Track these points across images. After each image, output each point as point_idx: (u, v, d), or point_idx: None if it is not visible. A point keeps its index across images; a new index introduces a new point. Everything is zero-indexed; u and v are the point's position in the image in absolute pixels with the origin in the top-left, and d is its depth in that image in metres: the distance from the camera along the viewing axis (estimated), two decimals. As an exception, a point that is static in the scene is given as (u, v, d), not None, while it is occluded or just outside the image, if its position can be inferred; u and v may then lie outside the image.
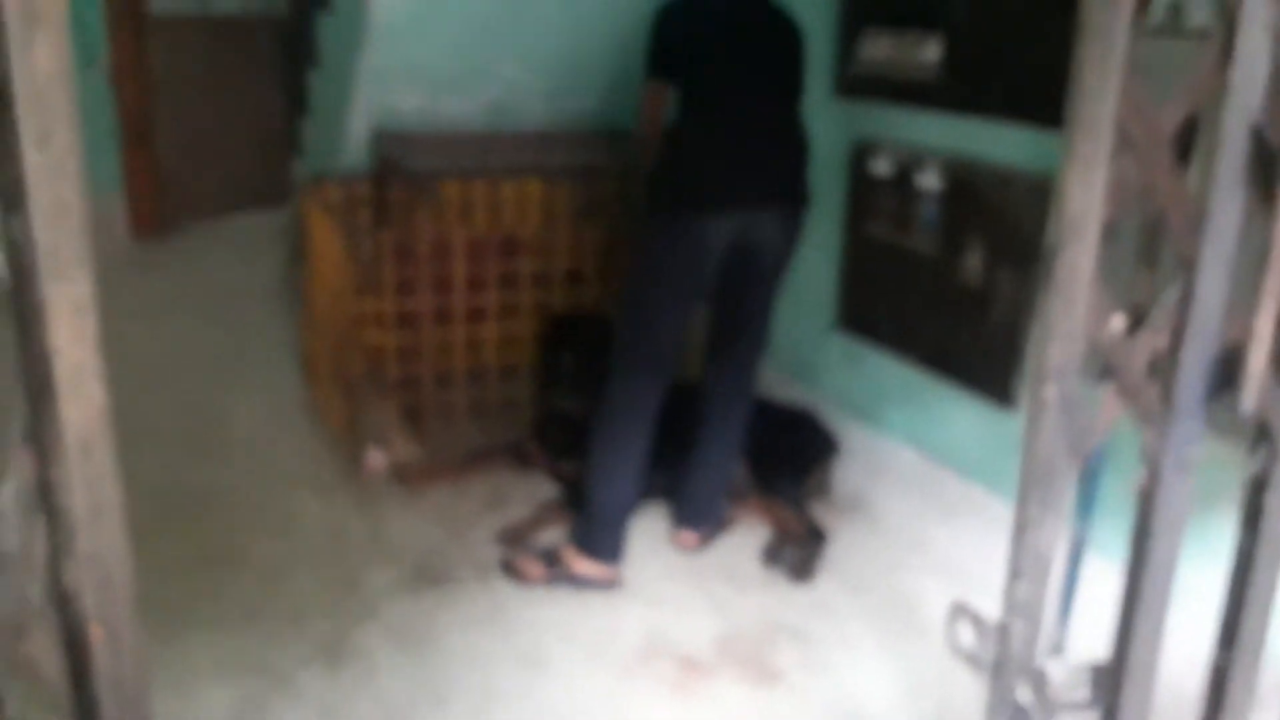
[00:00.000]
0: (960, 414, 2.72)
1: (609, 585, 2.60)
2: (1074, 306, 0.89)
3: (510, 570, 2.64)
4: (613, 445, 2.57)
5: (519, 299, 3.40)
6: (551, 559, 2.62)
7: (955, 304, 2.62)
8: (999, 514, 2.62)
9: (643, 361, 2.55)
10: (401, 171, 3.53)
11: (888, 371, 2.93)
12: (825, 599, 2.60)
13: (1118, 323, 0.94)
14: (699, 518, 2.79)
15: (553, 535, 2.81)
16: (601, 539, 2.59)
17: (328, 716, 2.15)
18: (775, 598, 2.60)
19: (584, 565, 2.59)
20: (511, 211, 3.62)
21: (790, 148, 2.55)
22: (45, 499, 0.65)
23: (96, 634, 0.66)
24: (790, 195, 2.56)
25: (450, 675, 2.29)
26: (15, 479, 0.66)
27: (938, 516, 2.80)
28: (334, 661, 2.31)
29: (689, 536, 2.78)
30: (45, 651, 0.69)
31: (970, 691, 2.26)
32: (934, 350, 2.71)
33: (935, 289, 2.69)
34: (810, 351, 3.29)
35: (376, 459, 3.04)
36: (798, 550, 2.69)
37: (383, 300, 3.22)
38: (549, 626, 2.46)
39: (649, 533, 2.86)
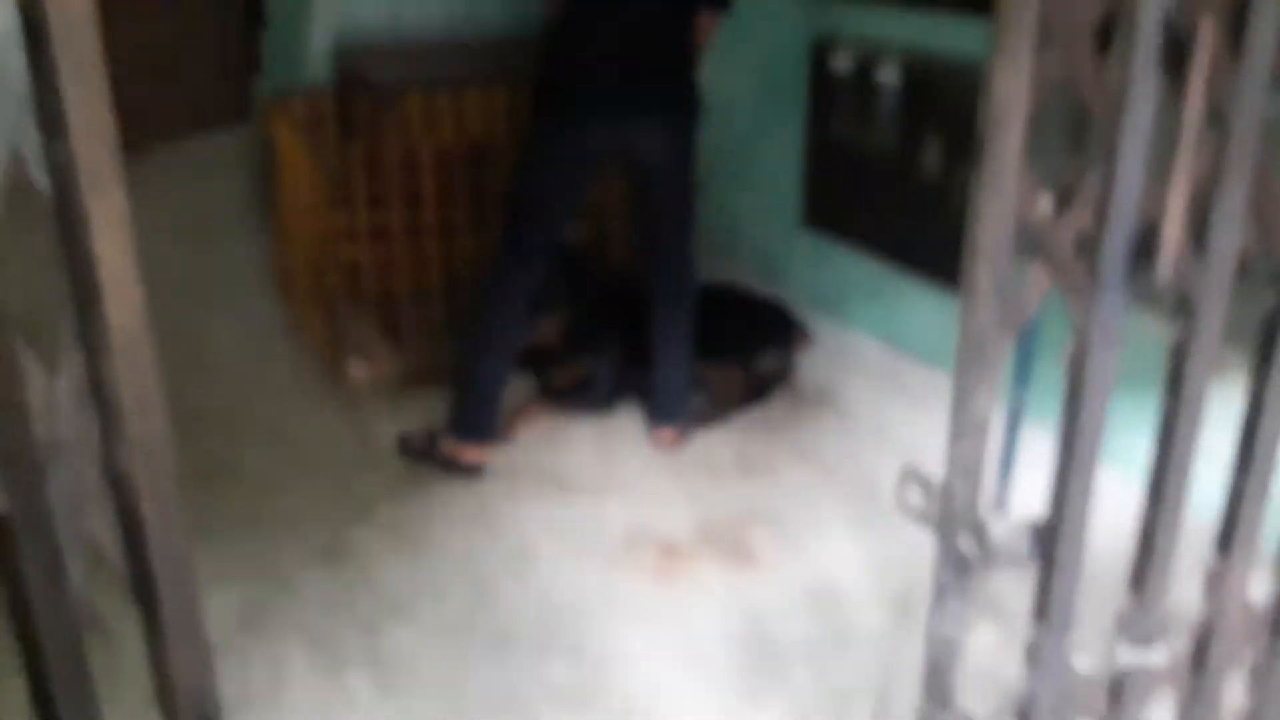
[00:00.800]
0: (923, 304, 2.83)
1: (481, 469, 2.75)
2: (1002, 190, 0.99)
3: (413, 453, 2.80)
4: (488, 330, 2.69)
5: (490, 211, 3.45)
6: (431, 441, 2.77)
7: (916, 198, 2.71)
8: (960, 398, 2.76)
9: (520, 256, 2.66)
10: (365, 84, 3.54)
11: (852, 266, 3.03)
12: (797, 486, 2.74)
13: (1045, 204, 1.04)
14: (668, 414, 2.91)
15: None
16: (480, 420, 2.73)
17: (329, 612, 2.29)
18: (750, 487, 2.74)
19: (465, 451, 2.73)
20: (477, 121, 3.64)
21: (674, 55, 2.59)
22: (95, 392, 0.75)
23: (148, 509, 0.76)
24: (675, 104, 2.63)
25: (444, 571, 2.43)
26: (67, 375, 0.75)
27: (902, 403, 2.94)
28: (332, 562, 2.44)
29: (664, 433, 2.91)
30: (102, 528, 0.79)
31: (930, 566, 2.42)
32: (897, 244, 2.81)
33: (897, 184, 2.77)
34: (777, 250, 3.38)
35: (359, 369, 3.13)
36: (703, 398, 2.92)
37: (354, 215, 3.27)
38: (535, 523, 2.59)
39: (628, 431, 2.99)
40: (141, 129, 5.49)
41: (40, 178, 0.71)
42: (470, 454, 2.74)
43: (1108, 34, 1.02)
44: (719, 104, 3.48)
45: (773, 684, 2.11)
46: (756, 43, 3.28)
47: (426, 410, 3.07)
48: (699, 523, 2.60)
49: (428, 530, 2.57)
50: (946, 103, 2.58)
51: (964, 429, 1.06)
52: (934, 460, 1.17)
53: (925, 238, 2.71)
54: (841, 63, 2.88)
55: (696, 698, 2.08)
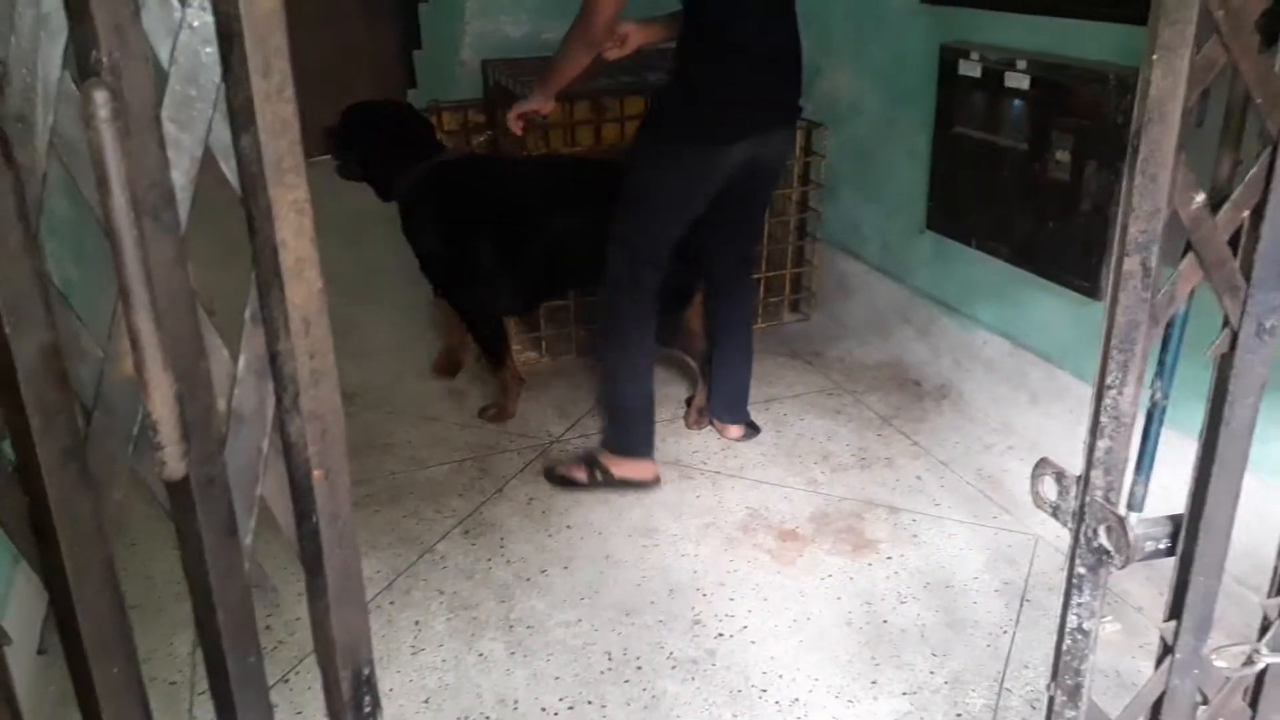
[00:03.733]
0: (1048, 305, 2.70)
1: (654, 483, 2.61)
2: (1156, 184, 0.92)
3: (555, 478, 2.66)
4: (628, 353, 2.54)
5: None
6: (593, 465, 2.61)
7: (1044, 200, 2.59)
8: (1082, 397, 2.63)
9: (646, 278, 2.48)
10: (509, 95, 3.58)
11: (977, 267, 2.92)
12: (916, 478, 2.65)
13: (1200, 200, 0.96)
14: (734, 414, 2.84)
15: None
16: (638, 438, 2.59)
17: (467, 578, 2.32)
18: (868, 478, 2.67)
19: (626, 467, 2.59)
20: (613, 129, 3.64)
21: (795, 65, 2.43)
22: (273, 368, 0.75)
23: (318, 476, 0.76)
24: (795, 112, 2.50)
25: (572, 544, 2.43)
26: (248, 352, 0.75)
27: (1025, 401, 2.81)
28: (471, 533, 2.47)
29: (733, 430, 2.85)
30: (275, 493, 0.80)
31: (1049, 560, 2.31)
32: (1022, 246, 2.68)
33: (1024, 186, 2.65)
34: (901, 248, 3.28)
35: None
36: None
37: None
38: (657, 504, 2.57)
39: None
40: (305, 139, 5.71)
41: (230, 170, 0.71)
42: (642, 469, 2.61)
43: (1272, 26, 0.94)
44: (846, 108, 3.40)
45: (889, 668, 2.04)
46: (884, 48, 3.19)
47: (558, 399, 3.09)
48: (816, 509, 2.54)
49: (555, 507, 2.57)
50: (1077, 107, 2.45)
51: (1106, 423, 0.99)
52: (1055, 455, 1.10)
53: (1052, 239, 2.58)
54: (971, 68, 2.77)
55: (812, 678, 2.03)
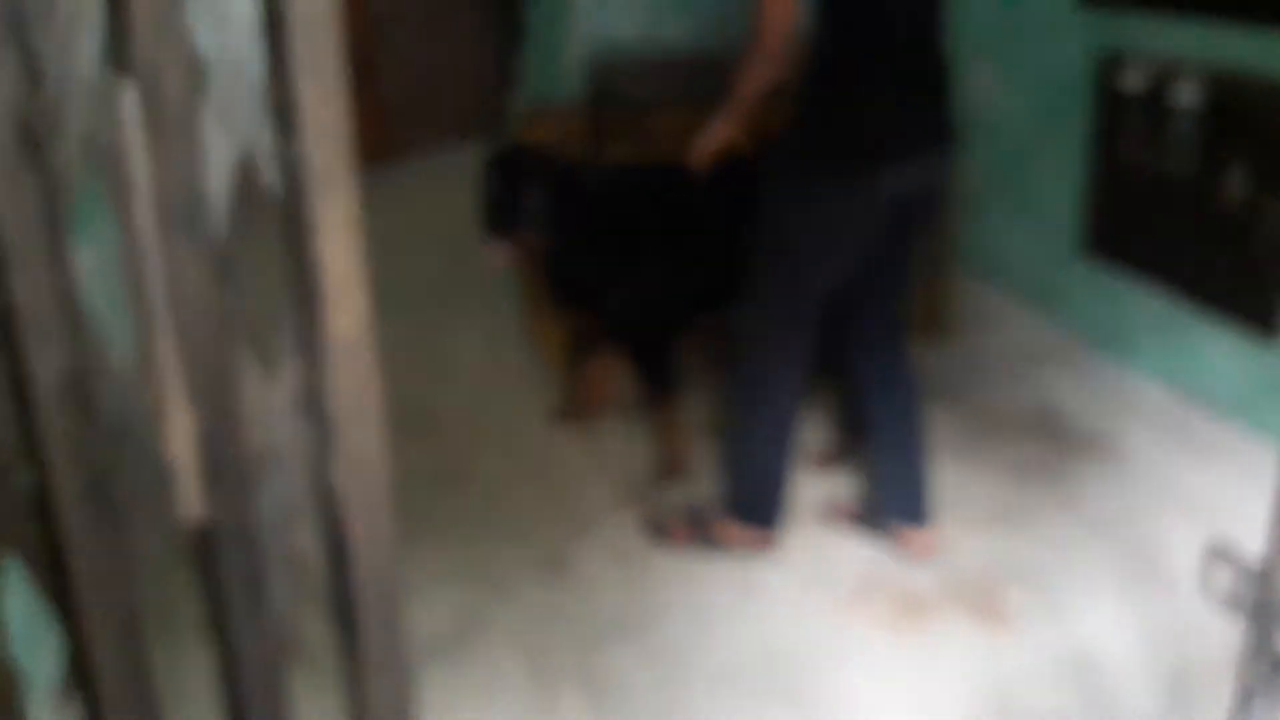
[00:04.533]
0: (1217, 347, 2.54)
1: (763, 548, 2.49)
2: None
3: (658, 531, 2.57)
4: (774, 415, 2.42)
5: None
6: (699, 524, 2.53)
7: (1215, 229, 2.44)
8: (1257, 455, 2.45)
9: (796, 341, 2.36)
10: (616, 98, 3.57)
11: (1136, 300, 2.77)
12: (1059, 540, 2.51)
13: None
14: (913, 513, 2.51)
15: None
16: (767, 507, 2.46)
17: (547, 623, 2.28)
18: (1005, 538, 2.54)
19: (740, 536, 2.48)
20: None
21: (944, 77, 2.26)
22: (311, 402, 0.72)
23: (357, 529, 0.73)
24: (950, 130, 2.30)
25: (664, 592, 2.38)
26: (285, 383, 0.73)
27: (1189, 457, 2.64)
28: (552, 573, 2.44)
29: (918, 538, 2.51)
30: (309, 544, 0.77)
31: (1214, 646, 2.14)
32: (1189, 279, 2.53)
33: (1194, 213, 2.50)
34: (1051, 278, 3.14)
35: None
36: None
37: None
38: (763, 554, 2.49)
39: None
40: (407, 138, 5.83)
41: (271, 178, 0.69)
42: (758, 539, 2.49)
43: None
44: (991, 121, 3.28)
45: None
46: (1034, 56, 3.07)
47: (651, 433, 3.04)
48: (944, 573, 2.42)
49: (646, 550, 2.52)
50: (1256, 125, 2.30)
51: (1294, 507, 0.89)
52: (1222, 526, 1.00)
53: (1225, 272, 2.42)
54: (1132, 80, 2.64)
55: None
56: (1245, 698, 0.99)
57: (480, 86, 5.79)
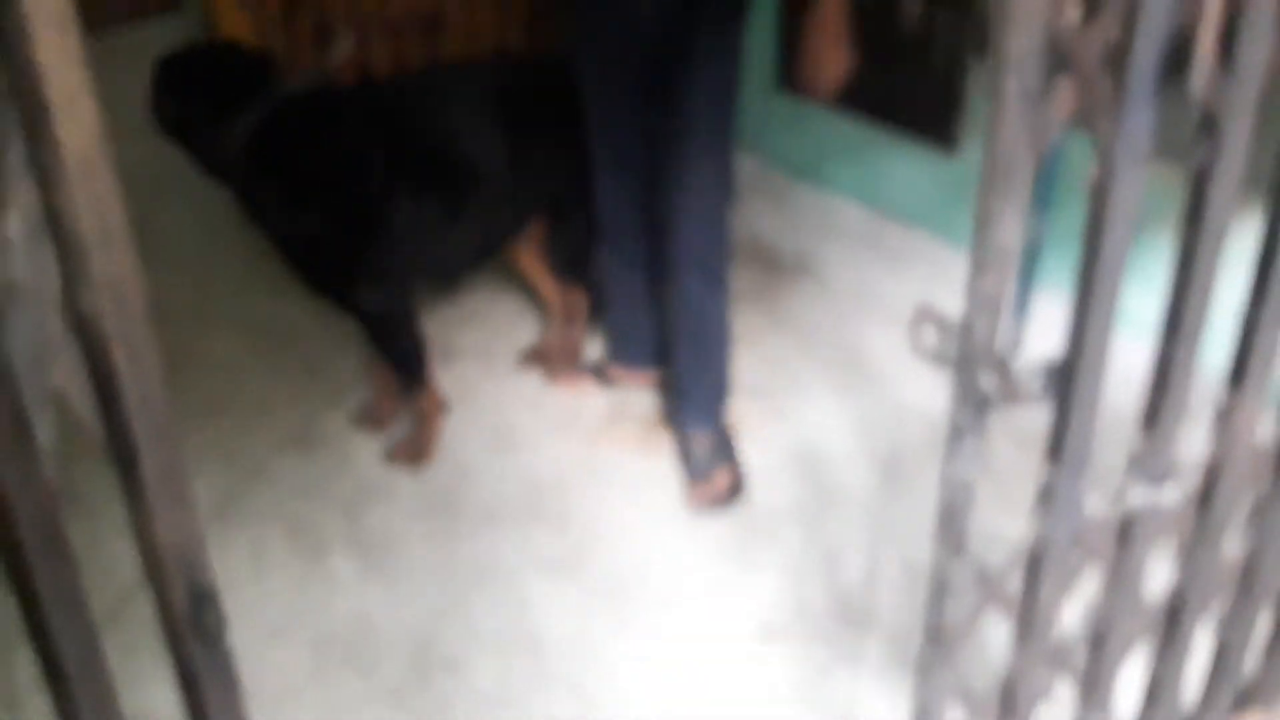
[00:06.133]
0: (904, 163, 2.76)
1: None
2: (1032, -4, 0.91)
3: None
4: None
5: None
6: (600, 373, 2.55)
7: (895, 53, 2.62)
8: (945, 259, 2.71)
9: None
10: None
11: (829, 128, 2.94)
12: (777, 354, 2.70)
13: (1073, 12, 0.96)
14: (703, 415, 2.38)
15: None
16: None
17: (307, 497, 2.24)
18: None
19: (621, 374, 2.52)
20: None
21: None
22: (52, 227, 0.66)
23: (119, 354, 0.69)
24: None
25: (423, 451, 2.38)
26: (18, 208, 0.66)
27: (884, 267, 2.89)
28: (306, 448, 2.38)
29: (700, 440, 2.33)
30: (70, 379, 0.72)
31: (919, 429, 2.40)
32: (875, 102, 2.71)
33: (874, 39, 2.66)
34: (749, 114, 3.28)
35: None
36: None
37: None
38: (515, 402, 2.53)
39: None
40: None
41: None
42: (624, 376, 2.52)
43: None
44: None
45: (763, 547, 2.09)
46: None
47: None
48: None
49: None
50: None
51: (987, 259, 1.01)
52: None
53: (905, 93, 2.62)
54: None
55: (686, 562, 2.07)
56: (956, 438, 1.12)
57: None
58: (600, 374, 2.54)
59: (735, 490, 2.20)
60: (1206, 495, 1.34)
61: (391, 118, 2.21)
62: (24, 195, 0.66)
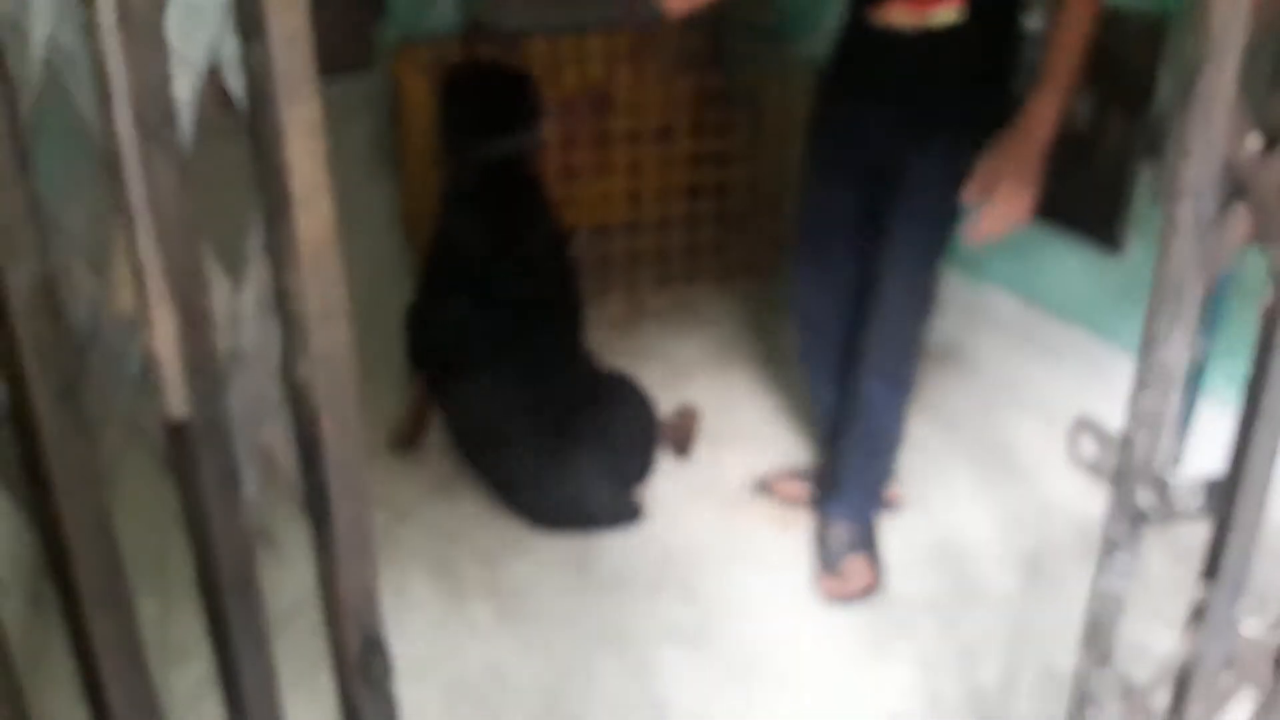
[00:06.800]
0: (1064, 260, 2.71)
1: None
2: (1211, 124, 0.91)
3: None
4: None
5: (612, 157, 3.35)
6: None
7: (1061, 150, 2.58)
8: (1101, 357, 2.64)
9: None
10: (488, 30, 3.53)
11: (987, 220, 2.91)
12: (922, 442, 2.66)
13: (1253, 142, 0.96)
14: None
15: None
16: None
17: (450, 543, 2.32)
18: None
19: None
20: (599, 66, 3.59)
21: None
22: (280, 304, 0.74)
23: (326, 423, 0.75)
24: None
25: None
26: (253, 285, 0.74)
27: (1038, 360, 2.83)
28: (451, 495, 2.47)
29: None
30: (279, 441, 0.79)
31: (1067, 527, 2.33)
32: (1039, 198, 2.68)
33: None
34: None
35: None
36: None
37: None
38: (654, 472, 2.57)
39: (746, 383, 2.95)
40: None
41: (235, 87, 0.70)
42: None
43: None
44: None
45: (898, 638, 2.06)
46: None
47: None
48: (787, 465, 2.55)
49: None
50: (1095, 49, 2.45)
51: (1151, 377, 1.00)
52: (1070, 422, 1.11)
53: (1069, 190, 2.58)
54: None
55: (817, 645, 2.05)
56: (1109, 550, 1.11)
57: (348, 18, 5.57)
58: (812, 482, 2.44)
59: (868, 590, 2.16)
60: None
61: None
62: (258, 274, 0.74)
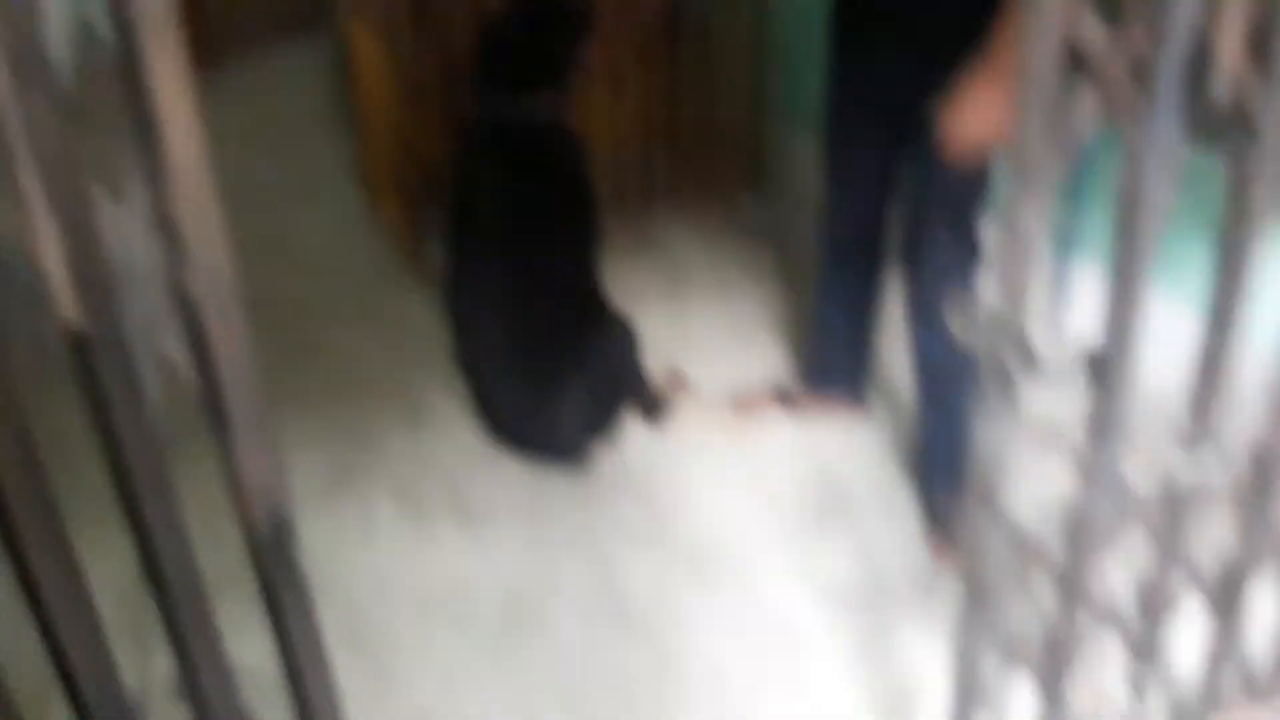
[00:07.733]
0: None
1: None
2: (1048, 6, 0.97)
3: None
4: None
5: None
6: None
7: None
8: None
9: None
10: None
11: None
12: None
13: (1094, 22, 1.01)
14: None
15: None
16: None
17: (415, 468, 2.40)
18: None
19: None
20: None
21: None
22: (162, 226, 0.80)
23: (214, 329, 0.82)
24: None
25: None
26: (134, 207, 0.80)
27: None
28: (415, 423, 2.54)
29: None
30: (175, 348, 0.86)
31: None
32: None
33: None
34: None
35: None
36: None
37: (429, 106, 3.17)
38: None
39: (701, 300, 3.00)
40: (226, 40, 5.08)
41: (106, 31, 0.75)
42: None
43: None
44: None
45: (841, 524, 2.18)
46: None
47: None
48: (765, 382, 2.64)
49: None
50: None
51: (1010, 250, 1.07)
52: None
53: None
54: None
55: (764, 534, 2.17)
56: (984, 413, 1.18)
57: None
58: (787, 400, 2.54)
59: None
60: (1260, 475, 1.34)
61: None
62: (138, 196, 0.79)
